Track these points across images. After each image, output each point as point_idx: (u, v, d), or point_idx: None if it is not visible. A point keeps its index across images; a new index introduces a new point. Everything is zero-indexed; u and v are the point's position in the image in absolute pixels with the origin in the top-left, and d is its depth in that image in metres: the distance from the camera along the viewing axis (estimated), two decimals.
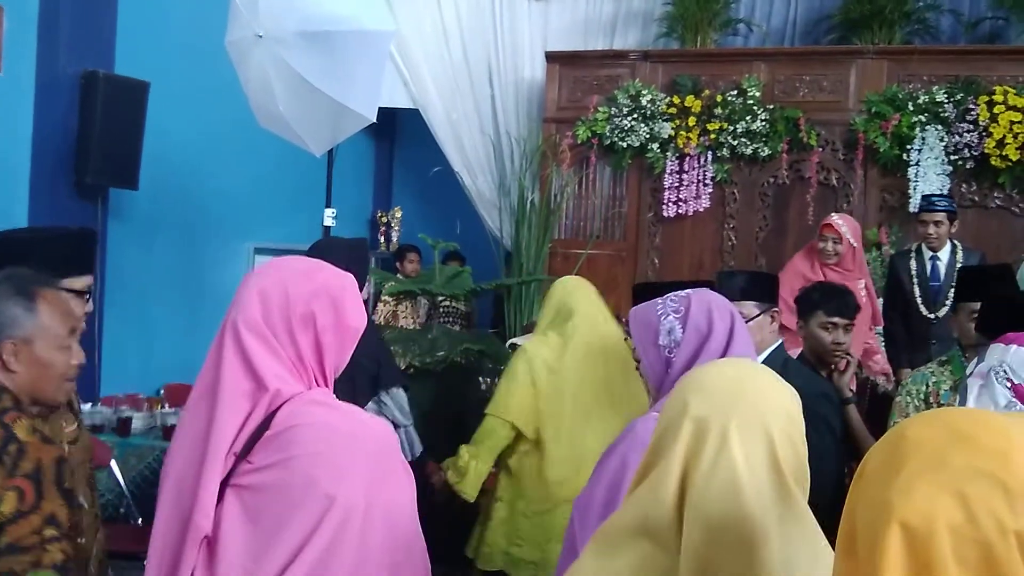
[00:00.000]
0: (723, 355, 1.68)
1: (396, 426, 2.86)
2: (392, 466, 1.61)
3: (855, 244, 4.37)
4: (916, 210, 4.82)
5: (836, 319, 2.78)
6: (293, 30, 3.23)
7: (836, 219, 4.41)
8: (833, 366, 2.77)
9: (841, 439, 2.48)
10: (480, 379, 4.16)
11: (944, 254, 4.58)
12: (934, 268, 4.61)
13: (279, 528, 1.52)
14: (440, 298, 3.97)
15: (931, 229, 4.49)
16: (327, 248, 2.89)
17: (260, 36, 3.27)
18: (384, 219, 7.76)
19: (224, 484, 1.55)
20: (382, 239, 7.75)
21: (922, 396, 2.48)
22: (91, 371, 4.55)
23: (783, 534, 1.03)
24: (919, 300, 4.52)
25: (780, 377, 1.18)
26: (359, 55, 3.32)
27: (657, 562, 1.07)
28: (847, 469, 2.43)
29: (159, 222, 5.19)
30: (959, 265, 4.48)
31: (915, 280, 4.59)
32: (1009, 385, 2.05)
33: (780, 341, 2.58)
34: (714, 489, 1.04)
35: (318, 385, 1.64)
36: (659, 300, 1.75)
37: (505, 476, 2.94)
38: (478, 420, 2.95)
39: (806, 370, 2.63)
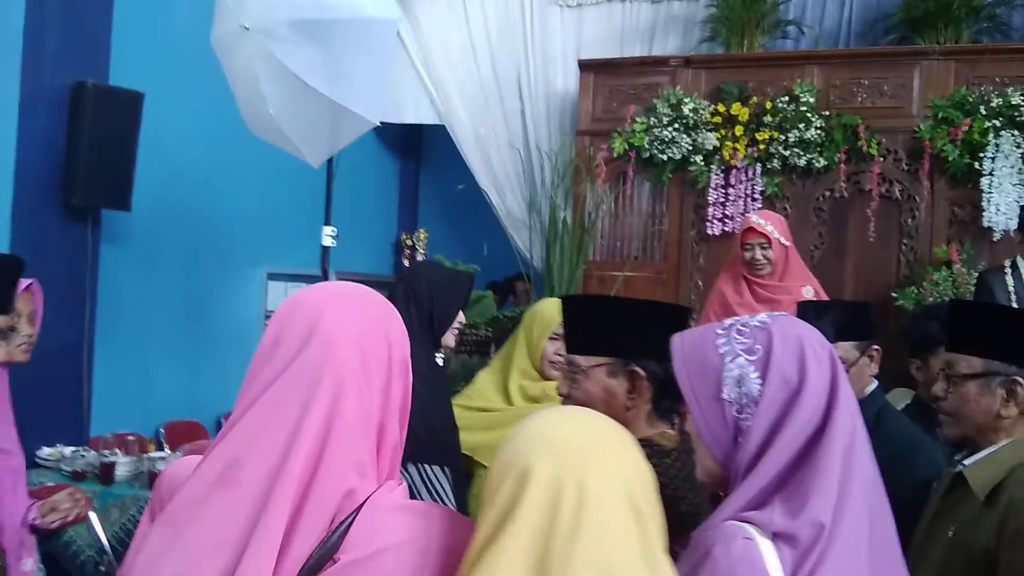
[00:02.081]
0: (824, 419, 1.17)
1: None
2: None
3: (786, 243, 3.73)
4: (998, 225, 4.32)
5: None
6: (283, 19, 2.82)
7: (755, 218, 3.77)
8: None
9: None
10: None
11: None
12: None
13: None
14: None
15: None
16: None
17: (246, 28, 2.86)
18: (409, 242, 7.37)
19: None
20: (407, 263, 7.35)
21: None
22: (77, 410, 4.16)
23: None
24: None
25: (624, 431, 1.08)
26: (359, 47, 2.90)
27: None
28: None
29: (158, 246, 4.80)
30: None
31: (1012, 298, 4.09)
32: None
33: (876, 385, 2.09)
34: (579, 558, 0.93)
35: (392, 471, 1.17)
36: (718, 329, 1.25)
37: None
38: None
39: (912, 426, 2.13)
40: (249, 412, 1.11)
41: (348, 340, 1.14)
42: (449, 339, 2.44)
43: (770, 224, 3.71)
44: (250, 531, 1.03)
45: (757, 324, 1.25)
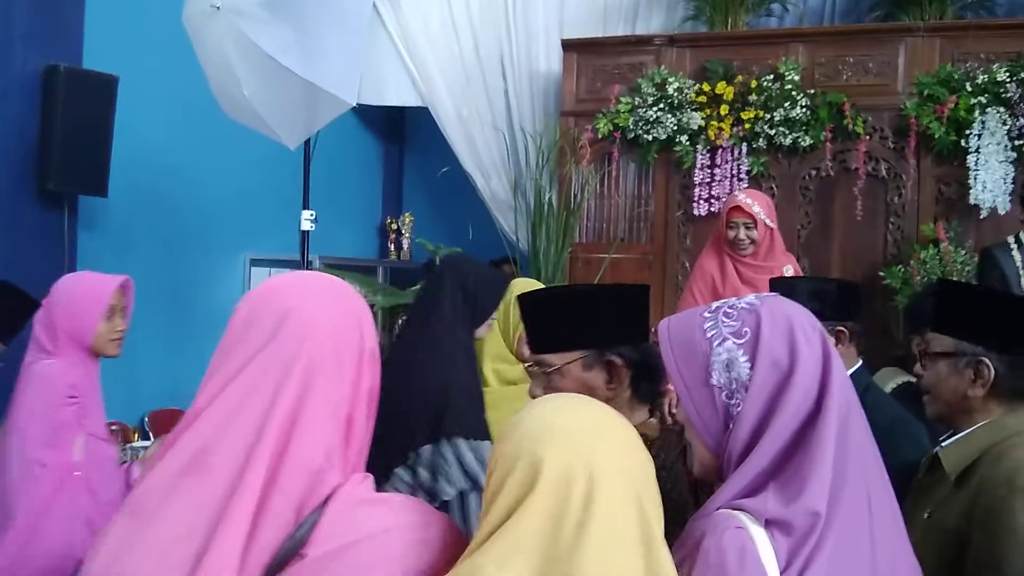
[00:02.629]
0: (817, 402, 1.13)
1: (435, 497, 2.16)
2: None
3: (771, 224, 3.70)
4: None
5: None
6: None
7: (743, 198, 3.71)
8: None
9: None
10: None
11: None
12: None
13: None
14: None
15: None
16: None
17: (217, 8, 2.80)
18: (394, 226, 7.31)
19: None
20: (392, 247, 7.29)
21: None
22: None
23: None
24: None
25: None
26: (332, 26, 2.84)
27: None
28: None
29: (136, 232, 4.72)
30: None
31: (1021, 272, 4.09)
32: None
33: (860, 364, 2.06)
34: (588, 558, 0.92)
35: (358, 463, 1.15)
36: (705, 312, 1.21)
37: None
38: None
39: (895, 404, 2.11)
40: (217, 400, 1.10)
41: (321, 331, 1.12)
42: (483, 330, 2.49)
43: (757, 204, 3.67)
44: (218, 521, 1.02)
45: (745, 306, 1.21)
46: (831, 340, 2.05)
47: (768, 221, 3.68)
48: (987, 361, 1.65)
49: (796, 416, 1.15)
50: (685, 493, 1.60)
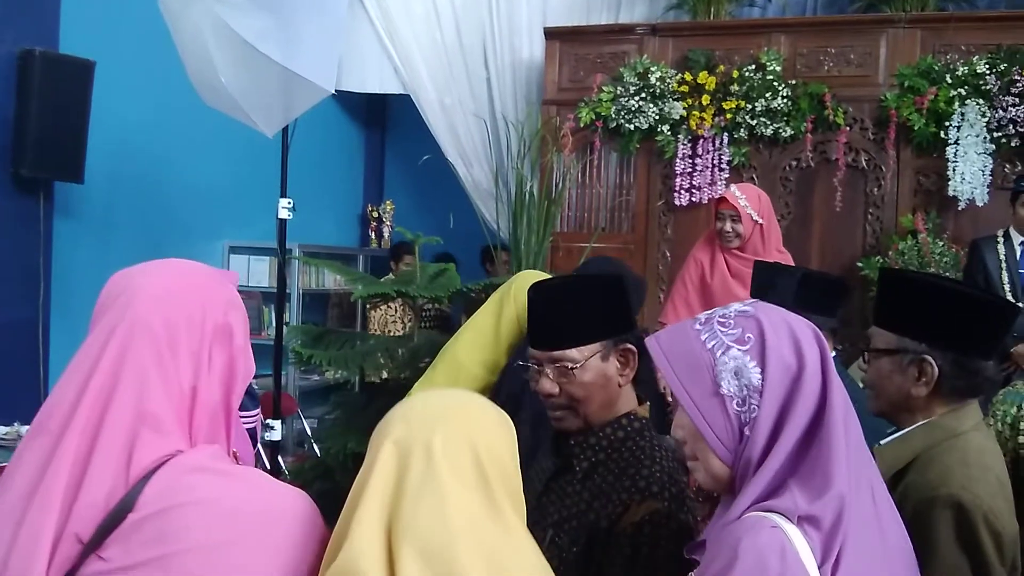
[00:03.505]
0: (821, 401, 1.14)
1: None
2: (310, 559, 1.12)
3: (760, 220, 3.69)
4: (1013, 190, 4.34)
5: None
6: None
7: (734, 191, 3.73)
8: None
9: None
10: None
11: None
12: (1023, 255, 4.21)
13: None
14: (422, 301, 3.46)
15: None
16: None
17: None
18: (375, 214, 7.27)
19: None
20: (373, 235, 7.26)
21: (1009, 420, 1.95)
22: (34, 389, 4.05)
23: (493, 552, 1.03)
24: (1006, 288, 4.10)
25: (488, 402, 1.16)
26: (310, 13, 2.80)
27: None
28: None
29: (113, 219, 4.67)
30: None
31: (1003, 267, 4.12)
32: None
33: (834, 354, 2.06)
34: (424, 514, 1.02)
35: (214, 435, 1.18)
36: (695, 325, 1.21)
37: None
38: None
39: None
40: (67, 369, 1.18)
41: (149, 301, 1.17)
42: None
43: (744, 198, 3.66)
44: (38, 482, 1.08)
45: (738, 313, 1.20)
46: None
47: (755, 215, 3.67)
48: (931, 360, 1.57)
49: (806, 414, 1.15)
50: (678, 467, 1.62)
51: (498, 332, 2.50)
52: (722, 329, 1.19)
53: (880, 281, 1.76)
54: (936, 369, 1.57)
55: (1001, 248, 4.21)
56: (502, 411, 1.18)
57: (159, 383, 1.13)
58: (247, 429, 2.56)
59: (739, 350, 1.17)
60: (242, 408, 2.54)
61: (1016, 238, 4.23)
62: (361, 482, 1.08)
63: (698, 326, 1.22)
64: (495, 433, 1.12)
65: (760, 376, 1.16)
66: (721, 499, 1.27)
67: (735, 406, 1.17)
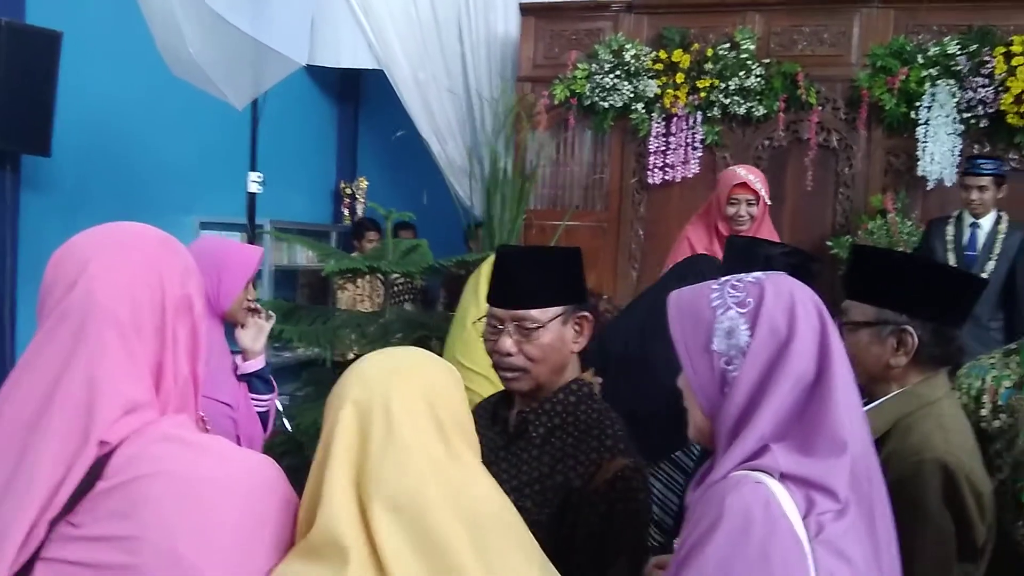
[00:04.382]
0: (816, 376, 1.17)
1: None
2: (276, 529, 1.14)
3: (769, 202, 3.68)
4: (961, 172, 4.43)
5: None
6: None
7: (744, 173, 3.62)
8: None
9: None
10: None
11: (987, 222, 4.26)
12: (972, 236, 4.27)
13: None
14: (394, 276, 3.45)
15: (974, 195, 4.20)
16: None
17: None
18: (348, 191, 7.22)
19: (33, 555, 1.07)
20: (346, 212, 7.21)
21: (973, 393, 1.98)
22: (1, 367, 4.01)
23: (459, 492, 1.11)
24: None
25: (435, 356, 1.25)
26: None
27: None
28: None
29: (82, 193, 4.61)
30: (1000, 237, 4.19)
31: (950, 247, 4.17)
32: None
33: None
34: (390, 468, 1.08)
35: (184, 404, 1.20)
36: (715, 284, 1.25)
37: None
38: None
39: None
40: (17, 365, 1.15)
41: (112, 288, 1.15)
42: None
43: (759, 181, 3.60)
44: (19, 461, 1.07)
45: (752, 280, 1.24)
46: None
47: (767, 198, 3.64)
48: (911, 330, 1.63)
49: (797, 385, 1.18)
50: (625, 432, 1.71)
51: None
52: (731, 291, 1.23)
53: (854, 256, 1.79)
54: (916, 339, 1.63)
55: (951, 229, 4.26)
56: (449, 364, 1.26)
57: (132, 371, 1.13)
58: (259, 412, 2.56)
59: (737, 312, 1.20)
60: (253, 391, 2.52)
61: (967, 219, 4.28)
62: (325, 445, 1.13)
63: (715, 286, 1.26)
64: (445, 384, 1.20)
65: (748, 338, 1.19)
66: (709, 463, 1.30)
67: (722, 364, 1.20)
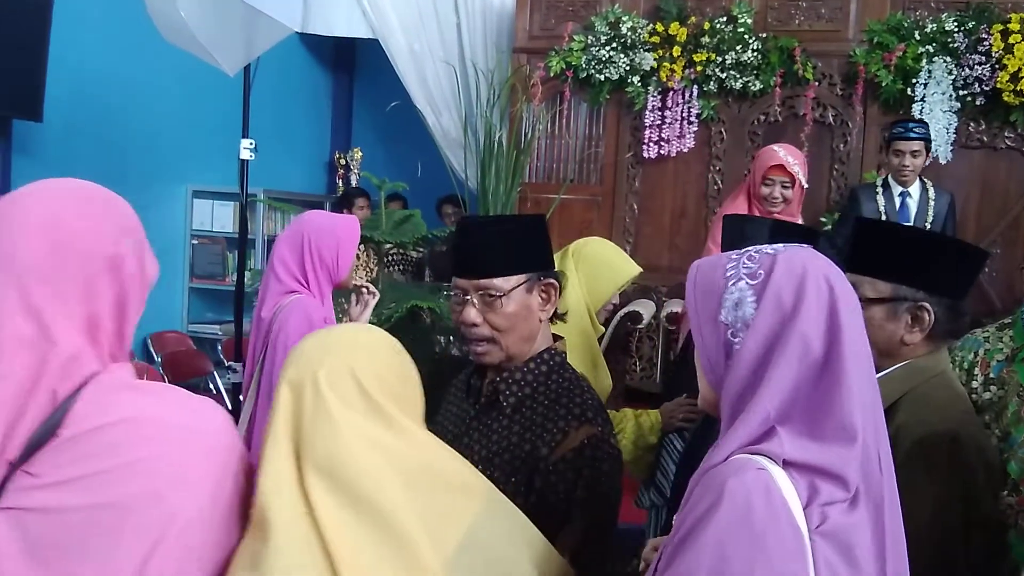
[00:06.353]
0: (824, 356, 1.13)
1: None
2: (235, 468, 1.19)
3: (807, 185, 3.61)
4: (888, 137, 4.35)
5: None
6: None
7: (784, 155, 3.52)
8: None
9: None
10: (437, 338, 3.68)
11: (914, 191, 4.23)
12: (903, 205, 4.24)
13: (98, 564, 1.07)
14: (387, 246, 3.44)
15: (907, 160, 4.14)
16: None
17: None
18: (343, 161, 7.20)
19: None
20: (340, 183, 7.19)
21: (966, 366, 1.99)
22: None
23: (393, 454, 1.20)
24: None
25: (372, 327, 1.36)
26: None
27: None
28: None
29: (74, 160, 4.57)
30: (931, 204, 4.14)
31: (882, 214, 4.14)
32: None
33: None
34: (320, 438, 1.17)
35: (114, 359, 1.19)
36: (735, 254, 1.23)
37: None
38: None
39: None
40: None
41: (35, 231, 1.14)
42: None
43: (797, 164, 3.53)
44: None
45: (770, 251, 1.21)
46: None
47: (804, 181, 3.57)
48: (927, 306, 1.62)
49: (801, 364, 1.14)
50: (595, 399, 1.72)
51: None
52: (746, 263, 1.20)
53: (860, 230, 1.76)
54: (932, 315, 1.63)
55: (880, 199, 4.22)
56: (389, 337, 1.33)
57: (63, 315, 1.13)
58: None
59: (747, 283, 1.18)
60: None
61: (895, 188, 4.23)
62: (269, 423, 1.21)
63: (733, 256, 1.23)
64: (376, 357, 1.27)
65: (754, 310, 1.17)
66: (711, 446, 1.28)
67: (728, 335, 1.18)
